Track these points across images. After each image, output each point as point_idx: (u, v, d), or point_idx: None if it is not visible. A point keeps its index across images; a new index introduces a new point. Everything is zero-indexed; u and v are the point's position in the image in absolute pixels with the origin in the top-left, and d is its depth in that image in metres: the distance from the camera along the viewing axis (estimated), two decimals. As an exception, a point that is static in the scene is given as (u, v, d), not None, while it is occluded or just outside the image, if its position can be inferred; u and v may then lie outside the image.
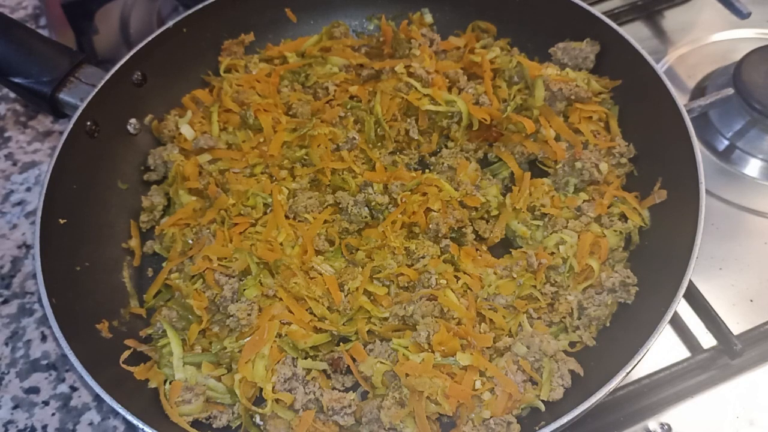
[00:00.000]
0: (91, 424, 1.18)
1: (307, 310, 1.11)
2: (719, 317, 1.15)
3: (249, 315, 1.08)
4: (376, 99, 1.34)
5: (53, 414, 1.19)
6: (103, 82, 1.27)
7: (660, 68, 1.25)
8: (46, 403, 1.20)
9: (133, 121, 1.36)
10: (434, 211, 1.20)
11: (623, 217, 1.21)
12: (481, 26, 1.49)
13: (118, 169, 1.33)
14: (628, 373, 0.95)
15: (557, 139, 1.28)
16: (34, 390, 1.22)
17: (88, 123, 1.26)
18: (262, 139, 1.32)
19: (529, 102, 1.31)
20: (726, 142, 1.42)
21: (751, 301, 1.23)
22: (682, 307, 1.18)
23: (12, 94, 1.63)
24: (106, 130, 1.29)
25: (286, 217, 1.22)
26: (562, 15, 1.39)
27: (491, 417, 1.00)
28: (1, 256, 1.39)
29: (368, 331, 1.12)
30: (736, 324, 1.17)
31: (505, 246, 1.24)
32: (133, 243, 1.29)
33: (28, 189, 1.49)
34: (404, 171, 1.27)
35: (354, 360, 1.08)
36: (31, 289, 1.34)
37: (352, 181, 1.25)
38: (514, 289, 1.14)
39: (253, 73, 1.43)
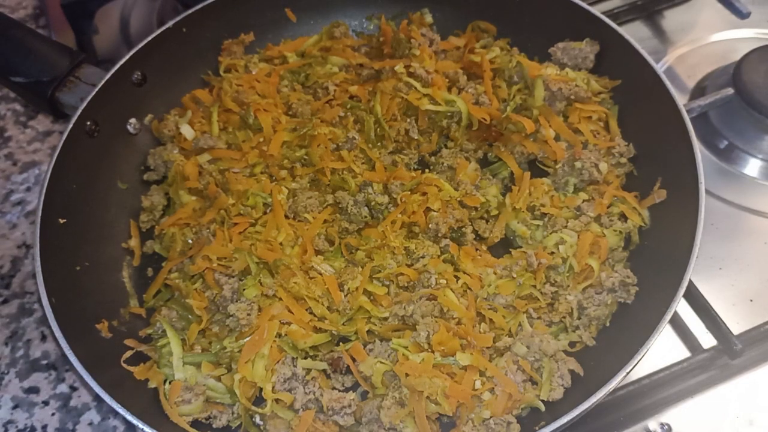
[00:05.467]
0: (90, 424, 1.18)
1: (306, 309, 1.11)
2: (719, 317, 1.15)
3: (249, 315, 1.08)
4: (376, 99, 1.34)
5: (53, 414, 1.19)
6: (103, 81, 1.27)
7: (660, 68, 1.25)
8: (45, 403, 1.20)
9: (132, 120, 1.36)
10: (434, 211, 1.20)
11: (623, 217, 1.21)
12: (480, 26, 1.49)
13: (117, 168, 1.33)
14: (628, 373, 0.95)
15: (557, 138, 1.28)
16: (34, 390, 1.22)
17: (88, 123, 1.26)
18: (261, 139, 1.32)
19: (529, 102, 1.31)
20: (725, 142, 1.42)
21: (751, 301, 1.22)
22: (682, 307, 1.18)
23: (12, 94, 1.63)
24: (106, 129, 1.29)
25: (286, 216, 1.22)
26: (562, 15, 1.39)
27: (491, 417, 1.00)
28: (0, 255, 1.39)
29: (368, 331, 1.12)
30: (736, 324, 1.17)
31: (504, 246, 1.24)
32: (133, 243, 1.28)
33: (28, 189, 1.49)
34: (404, 171, 1.27)
35: (354, 360, 1.08)
36: (30, 288, 1.34)
37: (352, 180, 1.25)
38: (513, 289, 1.14)
39: (252, 73, 1.43)
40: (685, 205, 1.11)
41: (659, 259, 1.13)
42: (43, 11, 1.82)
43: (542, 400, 1.04)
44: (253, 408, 1.04)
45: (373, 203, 1.22)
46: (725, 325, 1.14)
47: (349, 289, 1.13)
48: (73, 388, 1.22)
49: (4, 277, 1.36)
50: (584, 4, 1.36)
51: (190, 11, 1.40)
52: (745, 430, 1.10)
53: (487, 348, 1.07)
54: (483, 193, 1.26)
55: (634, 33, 1.57)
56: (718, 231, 1.31)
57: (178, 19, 1.39)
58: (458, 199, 1.23)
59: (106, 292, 1.20)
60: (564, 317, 1.13)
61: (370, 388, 1.07)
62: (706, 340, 1.16)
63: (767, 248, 1.29)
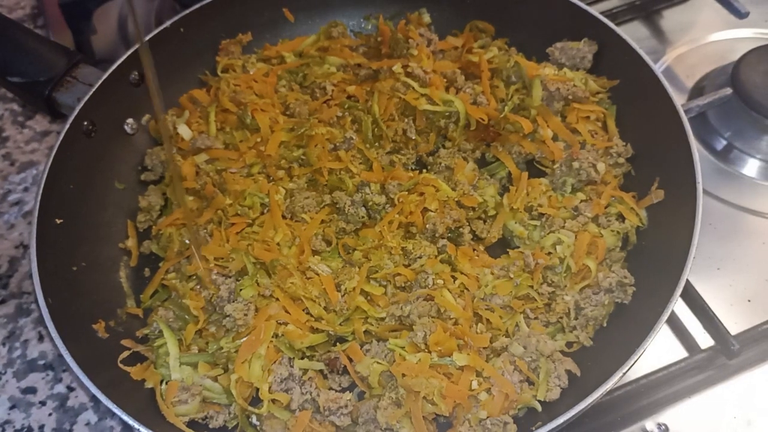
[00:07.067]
0: (88, 424, 1.18)
1: (303, 310, 1.11)
2: (717, 317, 1.15)
3: (245, 315, 1.08)
4: (374, 99, 1.34)
5: (50, 414, 1.19)
6: (100, 81, 1.27)
7: (658, 68, 1.25)
8: (43, 403, 1.20)
9: (130, 121, 1.36)
10: (431, 211, 1.20)
11: (620, 217, 1.21)
12: (478, 26, 1.49)
13: (115, 169, 1.33)
14: (625, 374, 0.95)
15: (555, 139, 1.28)
16: (31, 390, 1.22)
17: (85, 123, 1.25)
18: (259, 139, 1.32)
19: (527, 102, 1.31)
20: (724, 142, 1.42)
21: (749, 301, 1.22)
22: (679, 307, 1.18)
23: (10, 94, 1.63)
24: (103, 130, 1.29)
25: (283, 217, 1.22)
26: (560, 15, 1.38)
27: (488, 417, 1.00)
28: (-2, 256, 1.39)
29: (365, 332, 1.12)
30: (734, 324, 1.16)
31: (502, 246, 1.24)
32: (130, 243, 1.28)
33: (26, 189, 1.49)
34: (401, 171, 1.27)
35: (351, 360, 1.08)
36: (28, 289, 1.34)
37: (350, 180, 1.25)
38: (511, 289, 1.14)
39: (250, 73, 1.43)
40: (683, 205, 1.11)
41: (657, 260, 1.13)
42: (41, 11, 1.81)
43: (539, 401, 1.03)
44: (250, 408, 1.04)
45: (370, 203, 1.22)
46: (723, 325, 1.14)
47: (346, 289, 1.13)
48: (70, 389, 1.22)
49: (2, 278, 1.36)
50: (582, 4, 1.36)
51: (187, 11, 1.40)
52: (743, 430, 1.10)
53: (484, 348, 1.07)
54: (480, 193, 1.26)
55: (633, 33, 1.57)
56: (716, 231, 1.30)
57: (175, 18, 1.39)
58: (456, 199, 1.23)
59: (103, 293, 1.20)
60: (561, 317, 1.12)
61: (366, 388, 1.07)
62: (704, 340, 1.16)
63: (765, 248, 1.29)
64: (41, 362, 1.25)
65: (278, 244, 1.18)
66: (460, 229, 1.22)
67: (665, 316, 0.98)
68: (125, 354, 1.10)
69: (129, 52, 1.33)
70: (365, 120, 1.33)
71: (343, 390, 1.09)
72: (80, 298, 1.14)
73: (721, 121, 1.43)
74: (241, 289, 1.11)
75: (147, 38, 1.35)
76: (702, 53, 1.58)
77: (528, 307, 1.13)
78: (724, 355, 1.13)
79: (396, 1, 1.53)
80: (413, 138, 1.34)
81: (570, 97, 1.29)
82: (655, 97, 1.22)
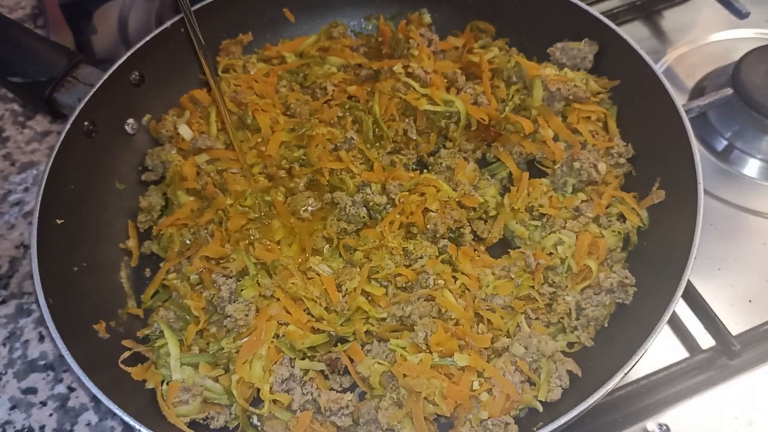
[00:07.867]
0: (88, 424, 1.18)
1: (304, 310, 1.11)
2: (718, 318, 1.15)
3: (246, 315, 1.08)
4: (375, 99, 1.34)
5: (51, 414, 1.19)
6: (100, 82, 1.27)
7: (659, 68, 1.25)
8: (43, 403, 1.20)
9: (130, 121, 1.36)
10: (432, 212, 1.20)
11: (622, 218, 1.21)
12: (479, 26, 1.49)
13: (115, 169, 1.33)
14: (626, 374, 0.95)
15: (555, 139, 1.28)
16: (32, 390, 1.22)
17: (86, 123, 1.25)
18: (260, 139, 1.32)
19: (528, 102, 1.31)
20: (725, 142, 1.42)
21: (750, 301, 1.22)
22: (680, 308, 1.18)
23: (10, 94, 1.63)
24: (103, 130, 1.29)
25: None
26: (561, 15, 1.38)
27: (489, 418, 1.00)
28: (-1, 256, 1.39)
29: (366, 332, 1.12)
30: (735, 324, 1.16)
31: (503, 246, 1.24)
32: (131, 243, 1.28)
33: (26, 189, 1.49)
34: (402, 171, 1.27)
35: (352, 360, 1.08)
36: (29, 289, 1.34)
37: (350, 181, 1.25)
38: (512, 290, 1.14)
39: (251, 73, 1.43)
40: (684, 205, 1.11)
41: (658, 260, 1.13)
42: (41, 11, 1.81)
43: (540, 401, 1.03)
44: (251, 409, 1.04)
45: (371, 204, 1.21)
46: (724, 325, 1.14)
47: (347, 289, 1.13)
48: (71, 389, 1.22)
49: (2, 278, 1.36)
50: (583, 5, 1.36)
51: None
52: (744, 430, 1.10)
53: (485, 349, 1.07)
54: (481, 193, 1.25)
55: (633, 33, 1.57)
56: (717, 231, 1.30)
57: (176, 19, 1.39)
58: (456, 199, 1.23)
59: (103, 293, 1.20)
60: (562, 318, 1.12)
61: (367, 388, 1.07)
62: (705, 340, 1.16)
63: (766, 248, 1.28)
64: (42, 362, 1.25)
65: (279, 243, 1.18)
66: (461, 230, 1.22)
67: (666, 317, 0.98)
68: (126, 354, 1.10)
69: (129, 53, 1.33)
70: (366, 120, 1.33)
71: (344, 390, 1.09)
72: (81, 299, 1.14)
73: (722, 122, 1.43)
74: (242, 290, 1.11)
75: (148, 39, 1.35)
76: (702, 53, 1.58)
77: (529, 307, 1.13)
78: (725, 356, 1.13)
79: (396, 1, 1.53)
80: (414, 138, 1.34)
81: (571, 97, 1.29)
82: (655, 98, 1.22)
